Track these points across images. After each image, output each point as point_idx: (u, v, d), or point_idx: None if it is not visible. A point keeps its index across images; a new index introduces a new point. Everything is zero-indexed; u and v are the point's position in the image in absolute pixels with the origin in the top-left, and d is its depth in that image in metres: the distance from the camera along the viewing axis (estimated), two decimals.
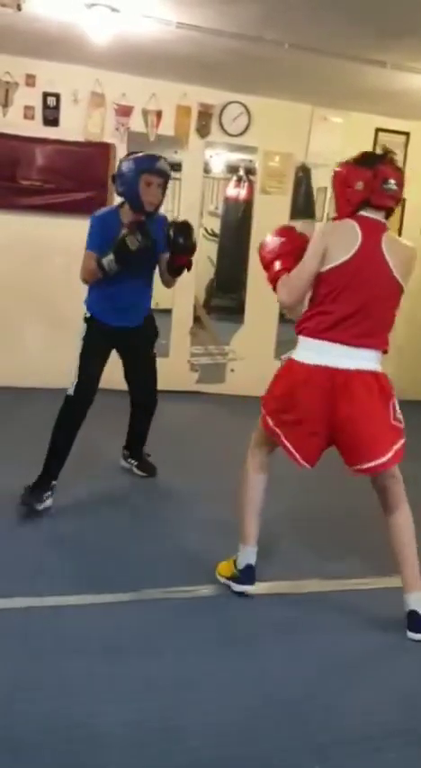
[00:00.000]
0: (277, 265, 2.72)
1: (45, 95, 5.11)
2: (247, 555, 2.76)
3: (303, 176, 6.10)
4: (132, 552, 3.08)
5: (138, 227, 3.23)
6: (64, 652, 2.32)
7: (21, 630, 2.42)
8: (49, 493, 3.35)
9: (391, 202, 2.56)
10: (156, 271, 3.58)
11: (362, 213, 2.55)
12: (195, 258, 3.67)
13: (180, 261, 3.49)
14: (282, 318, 6.33)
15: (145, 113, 5.32)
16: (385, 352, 2.62)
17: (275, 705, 2.17)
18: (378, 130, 5.86)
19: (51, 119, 5.15)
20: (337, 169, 2.64)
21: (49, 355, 5.42)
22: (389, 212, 2.60)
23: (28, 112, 5.11)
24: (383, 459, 2.52)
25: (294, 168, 5.85)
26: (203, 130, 5.48)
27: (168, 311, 5.85)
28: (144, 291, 3.61)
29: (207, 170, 7.63)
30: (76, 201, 5.24)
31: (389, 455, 2.52)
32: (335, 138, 5.71)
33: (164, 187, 3.38)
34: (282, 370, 2.69)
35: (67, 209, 5.24)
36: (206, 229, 8.62)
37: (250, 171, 8.19)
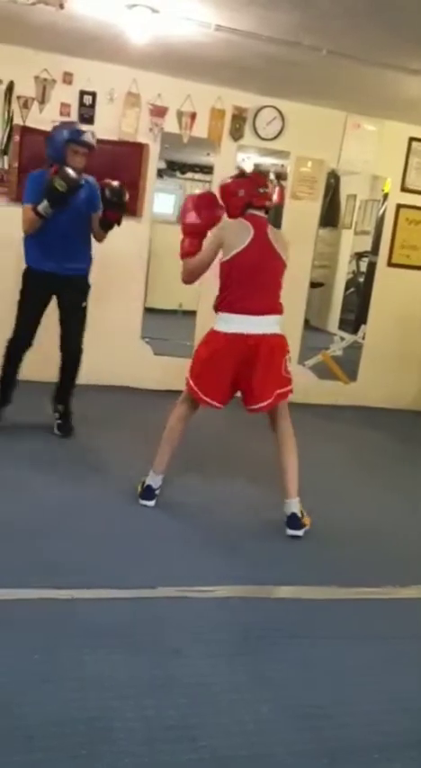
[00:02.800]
0: (186, 244, 3.43)
1: (81, 93, 5.16)
2: (154, 479, 3.49)
3: (333, 183, 6.09)
4: (150, 549, 3.10)
5: (60, 173, 3.76)
6: (81, 645, 2.34)
7: (40, 621, 2.44)
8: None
9: (266, 202, 3.37)
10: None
11: (249, 212, 3.31)
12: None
13: (111, 216, 4.07)
14: (307, 324, 6.34)
15: (179, 115, 5.34)
16: (281, 313, 3.39)
17: (285, 710, 2.16)
18: (412, 140, 5.84)
19: (87, 117, 5.19)
20: (223, 183, 3.42)
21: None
22: (266, 210, 3.39)
23: (64, 110, 5.15)
24: (265, 403, 3.31)
25: (326, 174, 5.84)
26: (236, 134, 5.50)
27: (192, 313, 5.88)
28: (75, 242, 4.15)
29: None
30: None
31: (271, 400, 3.30)
32: (369, 146, 5.71)
33: (87, 156, 4.00)
34: (203, 340, 3.41)
35: None
36: None
37: (280, 175, 8.19)
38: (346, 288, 8.83)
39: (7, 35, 4.63)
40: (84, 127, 4.19)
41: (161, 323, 7.12)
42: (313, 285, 6.54)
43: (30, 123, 5.09)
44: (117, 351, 5.53)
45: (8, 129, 5.06)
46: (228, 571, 2.96)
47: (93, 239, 4.27)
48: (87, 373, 5.49)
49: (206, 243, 3.41)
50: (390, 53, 3.99)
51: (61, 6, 3.58)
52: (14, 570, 2.74)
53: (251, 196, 3.32)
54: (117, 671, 2.23)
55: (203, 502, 3.67)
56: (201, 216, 3.41)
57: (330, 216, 6.10)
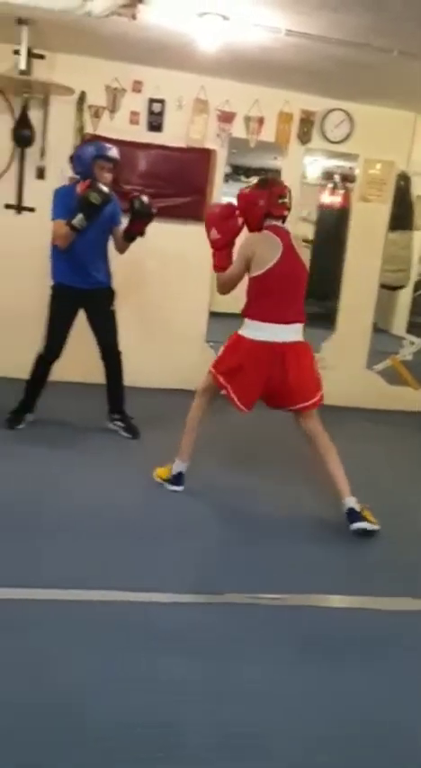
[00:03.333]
0: (216, 259, 3.58)
1: (151, 101, 5.23)
2: (180, 466, 3.67)
3: (404, 185, 5.98)
4: (212, 553, 3.11)
5: (93, 187, 3.88)
6: (152, 648, 2.36)
7: (111, 623, 2.48)
8: (23, 421, 4.34)
9: (285, 212, 3.44)
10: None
11: (269, 223, 3.39)
12: None
13: (138, 227, 4.21)
14: (376, 328, 6.25)
15: (247, 120, 5.35)
16: (304, 321, 3.49)
17: (356, 724, 2.14)
18: None
19: (155, 124, 5.26)
20: (242, 192, 3.53)
21: (138, 356, 5.55)
22: (284, 219, 3.46)
23: (134, 118, 5.23)
24: (312, 401, 3.45)
25: (395, 176, 5.75)
26: (304, 137, 5.47)
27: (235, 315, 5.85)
28: (100, 256, 4.31)
29: (302, 176, 7.60)
30: (175, 206, 5.34)
31: (316, 398, 3.46)
32: None
33: (113, 171, 4.13)
34: (231, 344, 3.52)
35: (165, 213, 5.31)
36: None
37: (346, 178, 8.11)
38: (415, 289, 8.66)
39: (79, 46, 4.73)
40: (103, 144, 4.23)
41: (225, 327, 7.11)
42: (391, 288, 6.44)
43: (101, 132, 5.18)
44: (182, 355, 5.58)
45: (80, 139, 5.16)
46: (298, 580, 2.94)
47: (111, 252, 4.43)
48: (150, 375, 5.57)
49: (235, 258, 3.48)
50: None
51: (134, 17, 3.64)
52: (88, 571, 2.79)
53: (270, 206, 3.39)
54: (188, 675, 2.25)
55: (266, 510, 3.67)
56: (222, 230, 3.51)
57: (402, 218, 5.99)
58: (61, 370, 4.51)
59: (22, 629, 2.38)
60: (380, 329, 8.08)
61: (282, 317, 3.39)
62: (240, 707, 2.13)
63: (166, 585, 2.77)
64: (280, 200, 3.43)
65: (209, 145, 5.37)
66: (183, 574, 2.89)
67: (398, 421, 5.68)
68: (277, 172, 5.76)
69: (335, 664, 2.42)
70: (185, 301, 5.59)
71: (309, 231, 9.07)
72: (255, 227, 3.45)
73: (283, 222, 3.49)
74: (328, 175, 8.89)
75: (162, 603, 2.66)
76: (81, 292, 4.25)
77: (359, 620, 2.74)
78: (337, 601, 2.87)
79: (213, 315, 6.16)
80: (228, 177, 8.74)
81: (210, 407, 3.67)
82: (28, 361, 4.36)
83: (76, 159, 4.17)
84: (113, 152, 4.11)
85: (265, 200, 3.40)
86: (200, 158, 5.35)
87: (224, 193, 5.69)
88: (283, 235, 3.40)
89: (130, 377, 5.46)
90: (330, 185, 8.94)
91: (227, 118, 5.32)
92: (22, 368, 4.31)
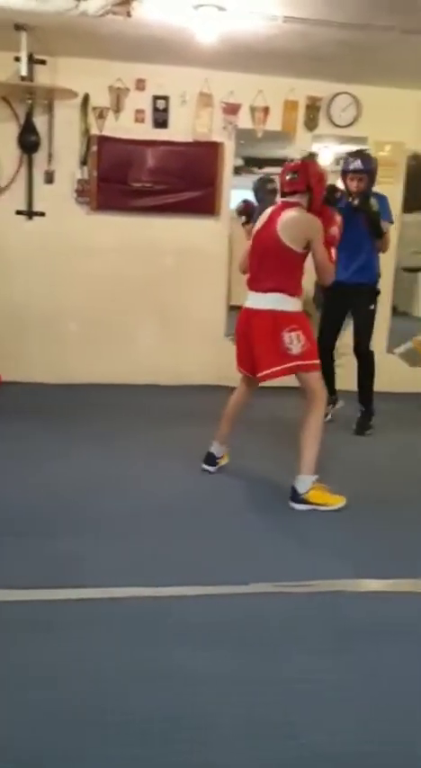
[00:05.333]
0: (330, 255, 3.49)
1: (155, 98, 5.22)
2: (216, 448, 3.82)
3: (416, 165, 5.89)
4: (238, 543, 3.10)
5: None
6: (181, 643, 2.36)
7: (138, 618, 2.49)
8: (331, 406, 4.69)
9: (286, 188, 3.47)
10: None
11: (281, 200, 3.53)
12: None
13: None
14: (395, 312, 6.18)
15: (252, 110, 5.33)
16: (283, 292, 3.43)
17: (389, 709, 2.11)
18: None
19: (161, 121, 5.25)
20: (319, 166, 3.56)
21: (158, 353, 5.57)
22: (294, 193, 3.44)
23: (139, 116, 5.23)
24: (265, 372, 3.42)
25: (406, 157, 5.68)
26: (311, 123, 5.43)
27: None
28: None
29: None
30: (186, 201, 5.35)
31: (271, 370, 3.40)
32: None
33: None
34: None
35: (177, 209, 5.35)
36: None
37: None
38: None
39: (79, 49, 4.74)
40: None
41: None
42: (411, 271, 6.38)
43: (106, 132, 5.20)
44: (202, 349, 5.58)
45: (86, 141, 5.17)
46: (324, 567, 2.92)
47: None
48: (166, 373, 5.58)
49: (316, 243, 3.45)
50: None
51: (128, 14, 3.64)
52: (114, 567, 2.81)
53: (281, 184, 3.51)
54: (217, 668, 2.24)
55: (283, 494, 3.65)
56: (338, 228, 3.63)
57: (417, 200, 5.91)
58: None
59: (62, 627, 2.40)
60: (401, 312, 8.01)
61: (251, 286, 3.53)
62: (269, 697, 2.12)
63: (188, 578, 2.77)
64: (287, 177, 3.44)
65: (216, 138, 5.35)
66: (203, 566, 2.88)
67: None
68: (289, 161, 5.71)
69: (368, 652, 2.39)
70: (203, 296, 5.58)
71: None
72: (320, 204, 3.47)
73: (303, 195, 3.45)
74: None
75: (185, 597, 2.65)
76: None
77: (391, 604, 2.71)
78: (364, 586, 2.84)
79: (234, 308, 6.13)
80: (240, 170, 8.72)
81: (246, 391, 3.78)
82: (35, 363, 4.39)
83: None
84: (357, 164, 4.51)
85: (280, 178, 3.52)
86: (208, 152, 5.33)
87: (237, 186, 5.66)
88: (277, 209, 3.46)
89: (150, 374, 5.51)
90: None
91: (232, 110, 5.30)
92: (24, 371, 4.32)
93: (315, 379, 3.47)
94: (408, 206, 5.77)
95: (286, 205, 3.42)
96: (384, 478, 4.01)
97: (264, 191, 4.50)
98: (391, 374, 5.15)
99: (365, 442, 4.62)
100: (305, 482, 3.45)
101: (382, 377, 4.85)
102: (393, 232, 5.68)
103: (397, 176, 5.61)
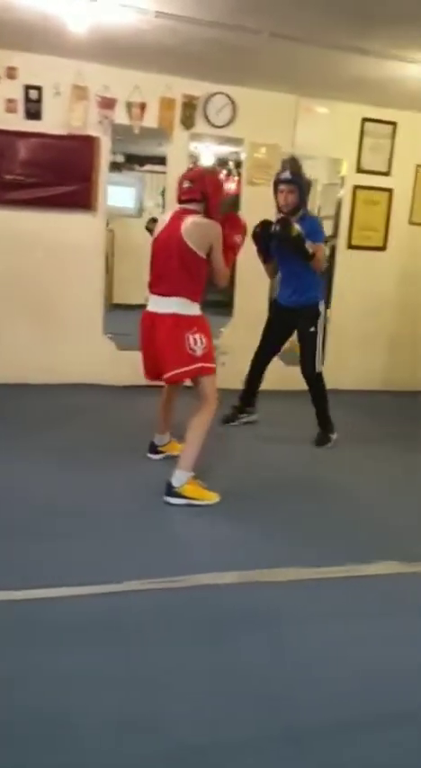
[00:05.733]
0: (232, 260, 3.66)
1: (27, 88, 5.06)
2: (155, 437, 4.07)
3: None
4: (121, 543, 3.06)
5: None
6: (49, 644, 2.30)
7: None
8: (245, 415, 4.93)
9: (183, 196, 3.55)
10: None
11: (180, 207, 3.55)
12: None
13: None
14: None
15: (128, 106, 5.27)
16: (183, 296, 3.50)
17: (248, 696, 2.14)
18: (364, 120, 5.83)
19: (33, 112, 5.10)
20: (217, 177, 3.72)
21: (34, 350, 5.41)
22: (191, 201, 3.52)
23: (10, 106, 5.05)
24: (171, 374, 3.47)
25: (280, 159, 5.78)
26: (188, 122, 5.44)
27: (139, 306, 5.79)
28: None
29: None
30: (59, 195, 5.23)
31: (177, 371, 3.45)
32: (322, 129, 5.69)
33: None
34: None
35: (50, 203, 5.22)
36: None
37: (240, 164, 8.11)
38: None
39: None
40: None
41: (128, 318, 7.03)
42: None
43: None
44: (79, 348, 5.47)
45: None
46: (192, 560, 2.92)
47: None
48: (43, 371, 5.44)
49: (216, 248, 3.54)
50: (332, 32, 3.96)
51: None
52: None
53: (178, 192, 3.57)
54: (84, 668, 2.19)
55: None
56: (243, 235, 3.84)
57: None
58: None
59: None
60: None
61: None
62: (130, 693, 2.08)
63: (69, 576, 2.70)
64: (184, 185, 3.54)
65: (91, 132, 5.25)
66: (79, 567, 2.82)
67: None
68: (163, 159, 5.70)
69: (227, 641, 2.41)
70: (80, 293, 5.47)
71: None
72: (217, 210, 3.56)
73: (199, 203, 3.52)
74: (223, 162, 8.88)
75: (64, 597, 2.58)
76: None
77: (247, 595, 2.74)
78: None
79: (116, 306, 6.06)
80: (121, 167, 8.65)
81: (168, 392, 3.98)
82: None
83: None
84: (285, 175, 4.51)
85: (178, 186, 3.59)
86: (82, 146, 5.23)
87: (118, 183, 5.59)
88: (174, 216, 3.52)
89: (23, 372, 5.34)
90: (225, 172, 8.93)
91: (107, 104, 5.22)
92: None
93: (210, 382, 3.54)
94: None
95: (185, 212, 3.49)
96: (259, 474, 4.08)
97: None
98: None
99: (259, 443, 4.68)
100: (180, 478, 3.47)
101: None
102: None
103: (272, 178, 5.69)
